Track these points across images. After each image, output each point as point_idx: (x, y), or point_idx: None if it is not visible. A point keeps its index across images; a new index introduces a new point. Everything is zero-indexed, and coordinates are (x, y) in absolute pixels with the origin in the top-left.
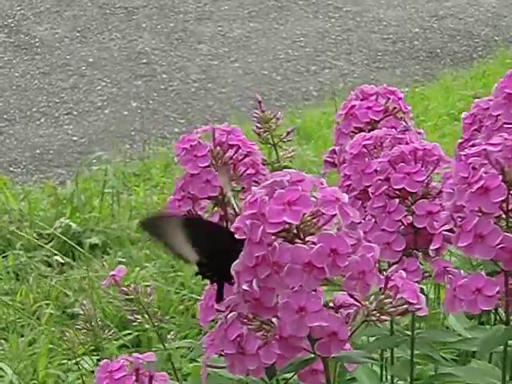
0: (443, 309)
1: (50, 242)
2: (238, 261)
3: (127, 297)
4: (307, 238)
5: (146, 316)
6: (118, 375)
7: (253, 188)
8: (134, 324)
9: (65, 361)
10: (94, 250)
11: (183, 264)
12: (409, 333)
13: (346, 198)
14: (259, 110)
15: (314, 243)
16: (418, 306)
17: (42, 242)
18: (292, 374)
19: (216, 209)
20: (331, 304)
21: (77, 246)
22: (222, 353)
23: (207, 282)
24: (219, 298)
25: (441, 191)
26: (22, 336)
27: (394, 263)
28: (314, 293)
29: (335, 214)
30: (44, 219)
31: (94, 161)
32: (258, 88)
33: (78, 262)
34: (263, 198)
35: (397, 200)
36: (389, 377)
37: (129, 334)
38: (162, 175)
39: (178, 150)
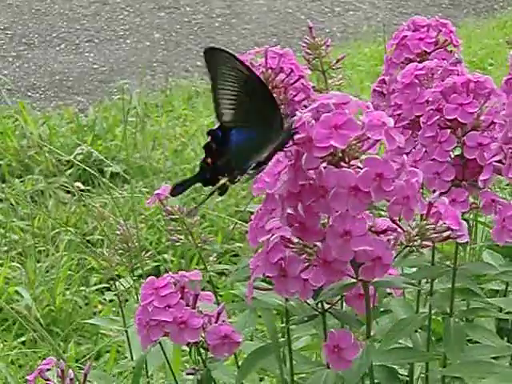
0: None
1: (70, 168)
2: (280, 185)
3: (171, 216)
4: (352, 162)
5: (189, 237)
6: (163, 292)
7: (297, 112)
8: (177, 245)
9: (83, 288)
10: (115, 178)
11: (205, 196)
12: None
13: (391, 122)
14: (310, 36)
15: (358, 167)
16: (459, 233)
17: (61, 169)
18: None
19: None
20: (374, 229)
21: (97, 174)
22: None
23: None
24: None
25: (490, 124)
26: (39, 262)
27: (442, 194)
28: (359, 217)
29: (380, 139)
30: (64, 146)
31: (115, 90)
32: (282, 26)
33: (98, 190)
34: (310, 122)
35: (448, 130)
36: (421, 309)
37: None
38: (184, 107)
39: None
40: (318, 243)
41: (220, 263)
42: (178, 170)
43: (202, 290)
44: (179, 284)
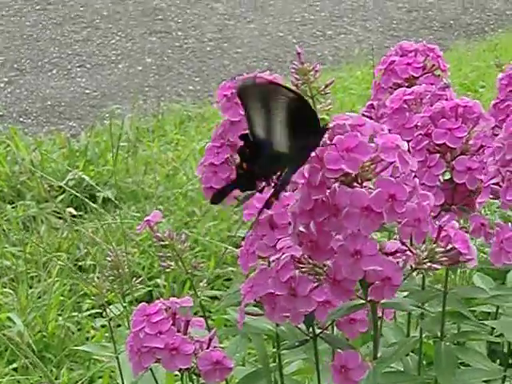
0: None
1: (62, 194)
2: (293, 203)
3: (161, 243)
4: (364, 184)
5: (179, 263)
6: (155, 319)
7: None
8: (167, 271)
9: (75, 313)
10: (107, 204)
11: (197, 221)
12: (439, 287)
13: (405, 145)
14: (298, 62)
15: (371, 188)
16: (468, 257)
17: (53, 194)
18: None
19: None
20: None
21: (88, 201)
22: (260, 300)
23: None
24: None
25: (479, 148)
26: (31, 288)
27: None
28: (370, 237)
29: (394, 161)
30: (56, 171)
31: (107, 115)
32: (274, 50)
33: (90, 216)
34: (326, 142)
35: (437, 155)
36: (412, 333)
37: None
38: (176, 132)
39: (218, 97)
40: (328, 262)
41: (213, 287)
42: (170, 194)
43: (195, 314)
44: (170, 310)
